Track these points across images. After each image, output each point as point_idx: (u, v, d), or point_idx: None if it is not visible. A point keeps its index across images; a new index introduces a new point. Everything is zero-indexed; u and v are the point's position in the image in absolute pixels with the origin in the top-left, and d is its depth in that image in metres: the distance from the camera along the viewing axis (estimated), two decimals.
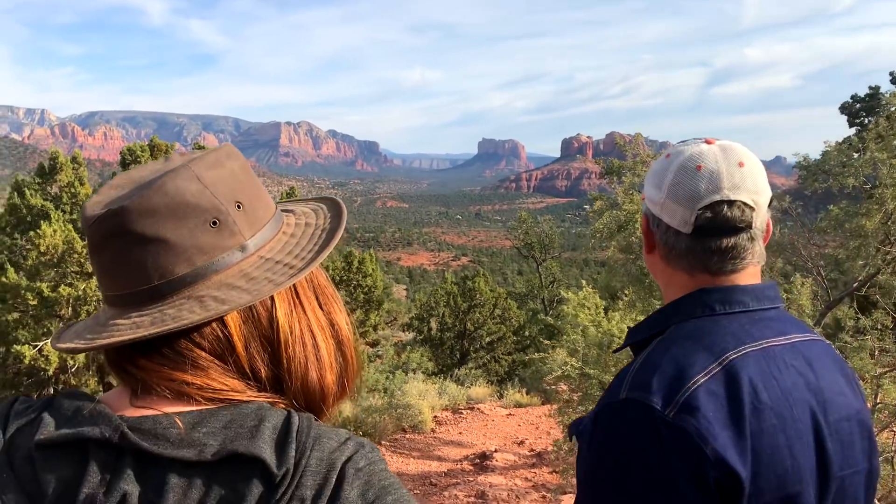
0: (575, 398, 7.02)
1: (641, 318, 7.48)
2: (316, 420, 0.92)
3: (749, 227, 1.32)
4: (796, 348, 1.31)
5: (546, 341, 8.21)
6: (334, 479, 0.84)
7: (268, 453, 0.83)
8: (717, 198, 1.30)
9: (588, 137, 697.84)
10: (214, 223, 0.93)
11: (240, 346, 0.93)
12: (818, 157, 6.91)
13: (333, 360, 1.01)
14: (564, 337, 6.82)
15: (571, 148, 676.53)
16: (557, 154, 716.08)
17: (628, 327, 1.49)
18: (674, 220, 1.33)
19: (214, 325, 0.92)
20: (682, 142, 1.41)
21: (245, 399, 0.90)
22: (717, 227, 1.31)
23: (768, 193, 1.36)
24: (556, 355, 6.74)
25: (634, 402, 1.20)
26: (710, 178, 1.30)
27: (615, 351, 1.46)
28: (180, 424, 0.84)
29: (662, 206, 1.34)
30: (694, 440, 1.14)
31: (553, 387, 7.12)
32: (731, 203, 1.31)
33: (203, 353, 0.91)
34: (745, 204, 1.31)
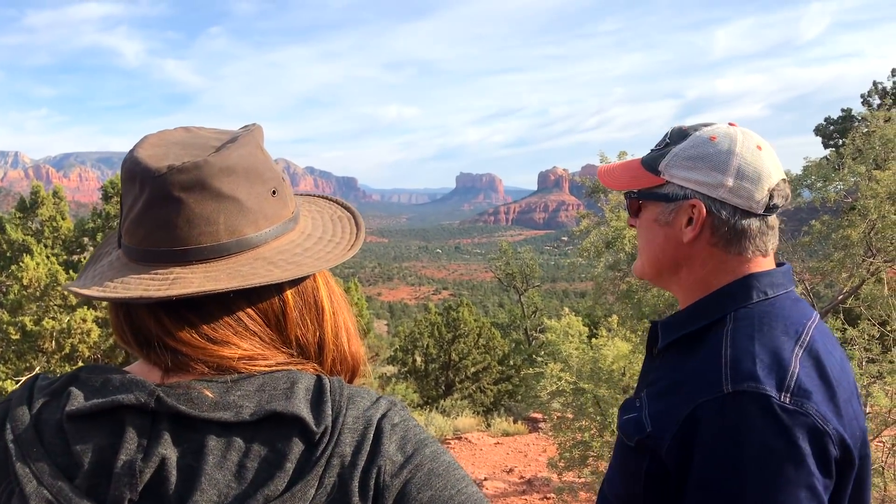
0: (569, 415, 7.01)
1: (632, 335, 7.55)
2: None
3: None
4: (821, 324, 1.36)
5: (539, 357, 8.21)
6: (372, 435, 0.86)
7: (305, 412, 0.84)
8: (781, 176, 1.36)
9: (564, 170, 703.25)
10: (274, 192, 0.96)
11: (293, 314, 0.95)
12: (799, 173, 7.05)
13: (357, 333, 1.05)
14: (558, 351, 6.85)
15: (548, 181, 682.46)
16: (534, 187, 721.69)
17: (653, 321, 1.49)
18: (746, 202, 1.34)
19: (274, 291, 0.93)
20: (705, 125, 1.42)
21: (275, 366, 0.91)
22: (778, 206, 1.36)
23: None
24: (549, 370, 6.74)
25: (749, 394, 1.17)
26: (770, 158, 1.35)
27: (658, 348, 1.42)
28: (209, 392, 0.85)
29: (731, 188, 1.33)
30: (817, 422, 1.15)
31: (547, 403, 7.11)
32: (784, 181, 1.37)
33: (258, 320, 0.92)
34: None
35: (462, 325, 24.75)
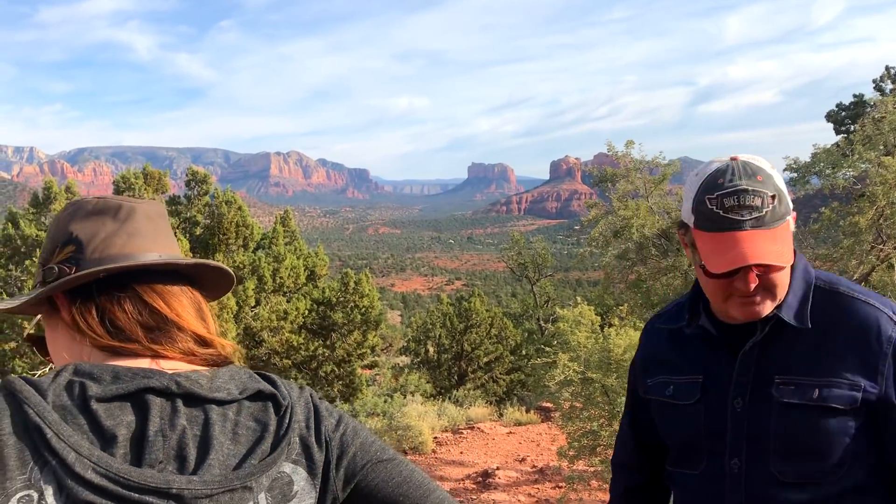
0: (578, 404, 7.02)
1: (641, 324, 7.53)
2: None
3: None
4: None
5: (547, 348, 8.19)
6: (312, 407, 1.17)
7: (275, 391, 1.13)
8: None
9: (576, 159, 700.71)
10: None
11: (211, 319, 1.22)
12: (808, 160, 6.99)
13: None
14: (567, 341, 6.84)
15: (560, 170, 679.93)
16: (546, 176, 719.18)
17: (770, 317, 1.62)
18: None
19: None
20: (732, 172, 1.55)
21: (223, 359, 1.16)
22: None
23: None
24: (559, 360, 6.74)
25: None
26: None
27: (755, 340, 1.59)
28: (205, 379, 1.08)
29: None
30: None
31: (556, 392, 7.11)
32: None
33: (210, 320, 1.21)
34: None
35: (474, 316, 24.76)
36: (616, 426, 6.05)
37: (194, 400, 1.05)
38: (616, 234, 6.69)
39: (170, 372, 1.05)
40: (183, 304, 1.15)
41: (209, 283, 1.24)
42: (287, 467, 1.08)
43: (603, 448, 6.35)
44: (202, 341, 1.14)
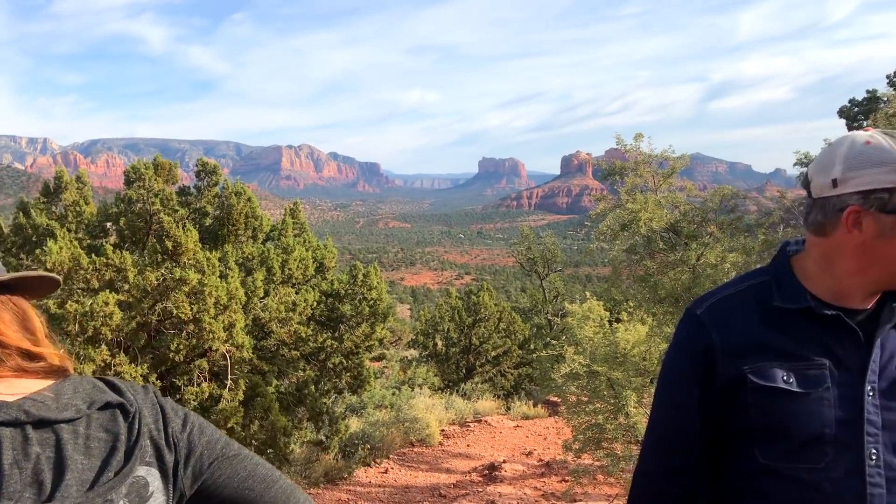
0: (584, 398, 7.00)
1: (649, 318, 7.54)
2: None
3: None
4: None
5: (555, 342, 8.16)
6: (159, 409, 1.18)
7: (122, 400, 1.14)
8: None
9: (588, 154, 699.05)
10: None
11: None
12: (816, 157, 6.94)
13: None
14: (575, 335, 6.83)
15: (571, 165, 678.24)
16: (557, 171, 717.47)
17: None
18: None
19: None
20: (858, 131, 1.54)
21: (56, 369, 1.16)
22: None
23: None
24: (566, 354, 6.73)
25: None
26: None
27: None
28: (52, 399, 1.07)
29: None
30: None
31: (563, 385, 7.09)
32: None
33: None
34: None
35: (482, 310, 24.76)
36: (622, 419, 6.05)
37: (44, 423, 1.04)
38: (624, 228, 6.67)
39: (13, 399, 1.04)
40: (4, 319, 1.13)
41: (34, 285, 1.21)
42: (142, 470, 1.09)
43: (608, 441, 6.34)
44: (29, 355, 1.13)
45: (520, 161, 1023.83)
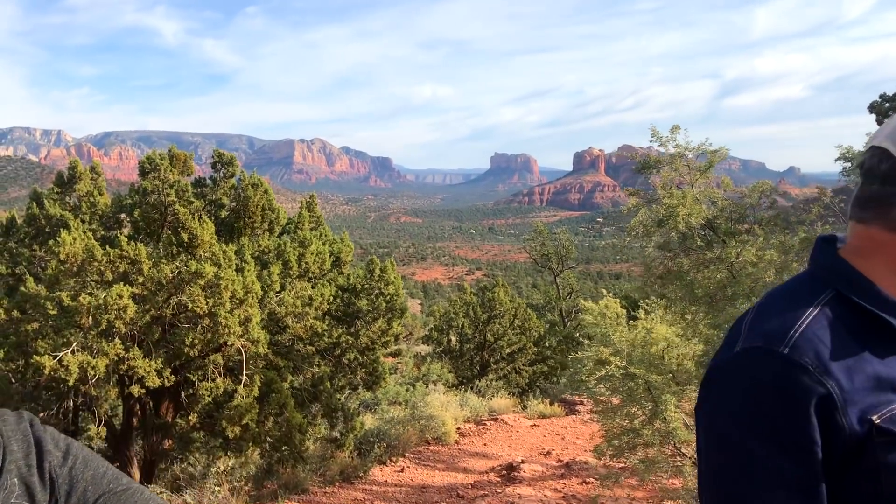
0: (615, 400, 6.73)
1: (681, 319, 7.27)
2: None
3: None
4: None
5: (587, 341, 7.88)
6: (33, 441, 1.06)
7: None
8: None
9: (600, 151, 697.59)
10: None
11: None
12: (861, 149, 6.65)
13: None
14: (608, 334, 6.56)
15: (584, 161, 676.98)
16: (570, 167, 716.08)
17: None
18: None
19: None
20: None
21: None
22: None
23: None
24: (599, 355, 6.46)
25: None
26: None
27: None
28: None
29: None
30: None
31: (593, 387, 6.83)
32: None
33: None
34: None
35: (497, 306, 24.51)
36: (658, 424, 5.79)
37: None
38: (660, 224, 6.39)
39: None
40: None
41: None
42: None
43: (643, 446, 6.08)
44: None
45: (532, 157, 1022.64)
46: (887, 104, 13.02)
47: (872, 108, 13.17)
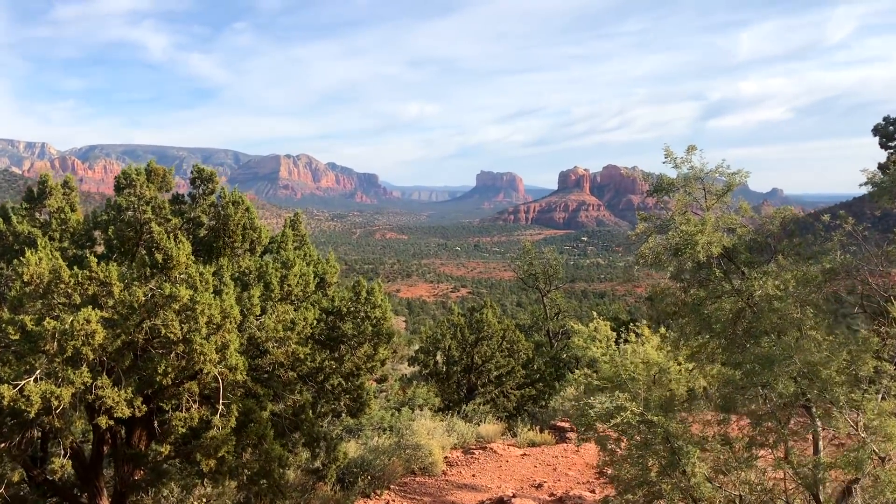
0: (623, 446, 6.17)
1: (695, 351, 6.75)
2: None
3: None
4: None
5: (596, 380, 7.32)
6: None
7: None
8: None
9: (585, 170, 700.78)
10: None
11: None
12: (885, 178, 6.18)
13: None
14: (621, 378, 6.01)
15: (569, 180, 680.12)
16: (555, 186, 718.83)
17: None
18: None
19: None
20: None
21: None
22: None
23: None
24: (600, 397, 5.91)
25: None
26: None
27: None
28: None
29: None
30: None
31: (602, 433, 6.27)
32: None
33: None
34: None
35: (486, 328, 23.94)
36: (679, 477, 5.23)
37: None
38: (677, 252, 5.87)
39: None
40: None
41: None
42: None
43: (657, 499, 5.50)
44: None
45: (518, 175, 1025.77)
46: (892, 127, 12.66)
47: (877, 130, 12.81)
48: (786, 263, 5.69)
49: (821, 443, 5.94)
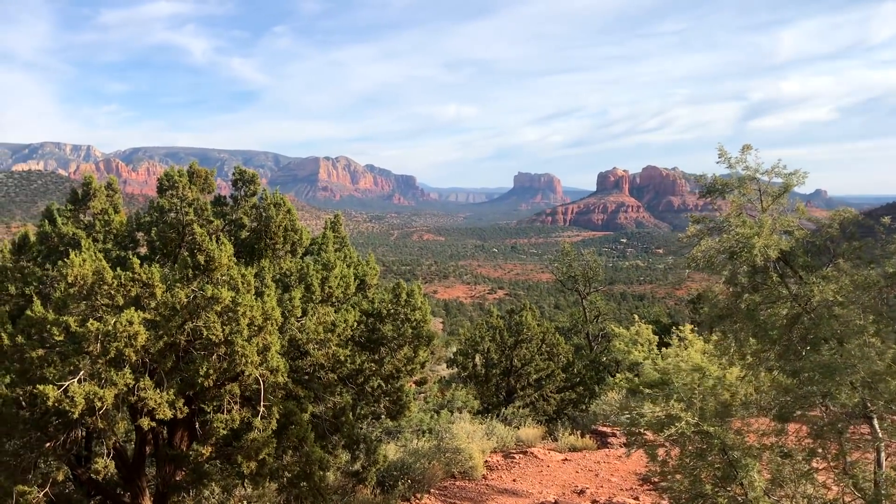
0: (673, 455, 5.96)
1: (750, 360, 6.50)
2: None
3: None
4: None
5: (647, 389, 7.10)
6: None
7: None
8: None
9: (624, 171, 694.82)
10: None
11: None
12: None
13: None
14: (673, 383, 5.81)
15: (607, 182, 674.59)
16: (593, 188, 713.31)
17: None
18: None
19: None
20: None
21: None
22: None
23: None
24: (649, 404, 5.70)
25: None
26: None
27: None
28: None
29: None
30: None
31: (651, 441, 6.07)
32: None
33: None
34: None
35: (525, 330, 23.71)
36: (736, 490, 5.02)
37: None
38: (732, 256, 5.65)
39: None
40: None
41: None
42: None
43: None
44: None
45: (555, 176, 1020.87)
46: None
47: None
48: (846, 267, 5.45)
49: (883, 456, 5.67)
